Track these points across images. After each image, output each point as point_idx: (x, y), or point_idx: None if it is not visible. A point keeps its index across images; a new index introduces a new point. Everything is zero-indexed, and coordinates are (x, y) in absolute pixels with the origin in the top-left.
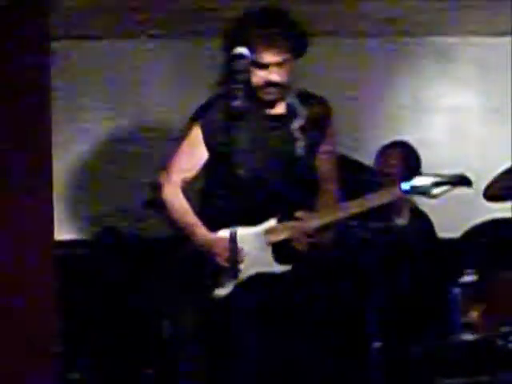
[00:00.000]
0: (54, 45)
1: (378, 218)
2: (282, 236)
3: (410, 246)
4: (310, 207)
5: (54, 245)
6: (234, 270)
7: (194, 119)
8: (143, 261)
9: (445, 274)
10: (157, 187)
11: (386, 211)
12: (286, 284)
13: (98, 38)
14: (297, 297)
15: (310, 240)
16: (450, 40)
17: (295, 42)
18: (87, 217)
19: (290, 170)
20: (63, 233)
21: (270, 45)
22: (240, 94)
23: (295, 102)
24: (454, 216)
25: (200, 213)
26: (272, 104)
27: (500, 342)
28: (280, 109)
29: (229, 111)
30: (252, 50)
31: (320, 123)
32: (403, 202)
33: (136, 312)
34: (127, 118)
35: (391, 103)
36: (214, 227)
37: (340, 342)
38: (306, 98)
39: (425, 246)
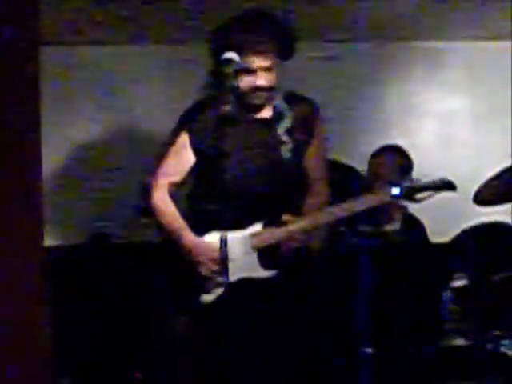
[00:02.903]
0: (44, 50)
1: (370, 224)
2: (267, 241)
3: (402, 251)
4: (298, 210)
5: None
6: (220, 277)
7: (180, 124)
8: (132, 266)
9: (435, 278)
10: (145, 192)
11: (378, 216)
12: (273, 289)
13: (88, 43)
14: (284, 302)
15: (297, 244)
16: (439, 45)
17: (282, 46)
18: (75, 222)
19: (276, 174)
20: (52, 239)
21: (257, 50)
22: (228, 98)
23: (282, 104)
24: (445, 220)
25: (187, 216)
26: (259, 108)
27: (490, 347)
28: (267, 112)
29: (217, 116)
30: (239, 55)
31: (307, 124)
32: (396, 208)
33: (125, 316)
34: (116, 123)
35: (380, 108)
36: (200, 231)
37: (329, 348)
38: (292, 99)
39: (417, 251)
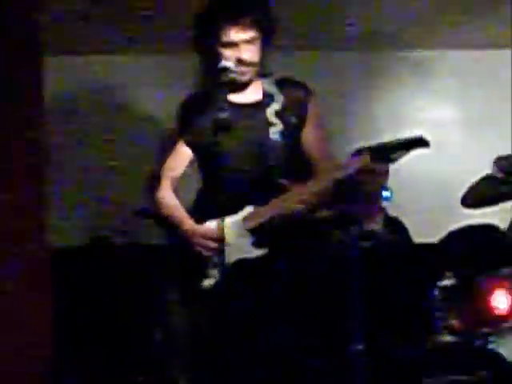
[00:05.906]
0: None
1: (353, 224)
2: (258, 220)
3: (384, 252)
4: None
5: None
6: (218, 259)
7: (177, 119)
8: (133, 268)
9: (424, 277)
10: (149, 191)
11: (360, 217)
12: (269, 271)
13: (89, 52)
14: (279, 283)
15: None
16: (429, 54)
17: (262, 19)
18: (78, 224)
19: (265, 156)
20: (54, 240)
21: (237, 22)
22: (224, 105)
23: (271, 87)
24: (433, 222)
25: (194, 208)
26: (244, 86)
27: (478, 343)
28: (255, 95)
29: (216, 123)
30: (219, 31)
31: (299, 106)
32: (377, 209)
33: (127, 319)
34: (117, 131)
35: (370, 117)
36: (204, 221)
37: (321, 339)
38: (284, 83)
39: (400, 251)
